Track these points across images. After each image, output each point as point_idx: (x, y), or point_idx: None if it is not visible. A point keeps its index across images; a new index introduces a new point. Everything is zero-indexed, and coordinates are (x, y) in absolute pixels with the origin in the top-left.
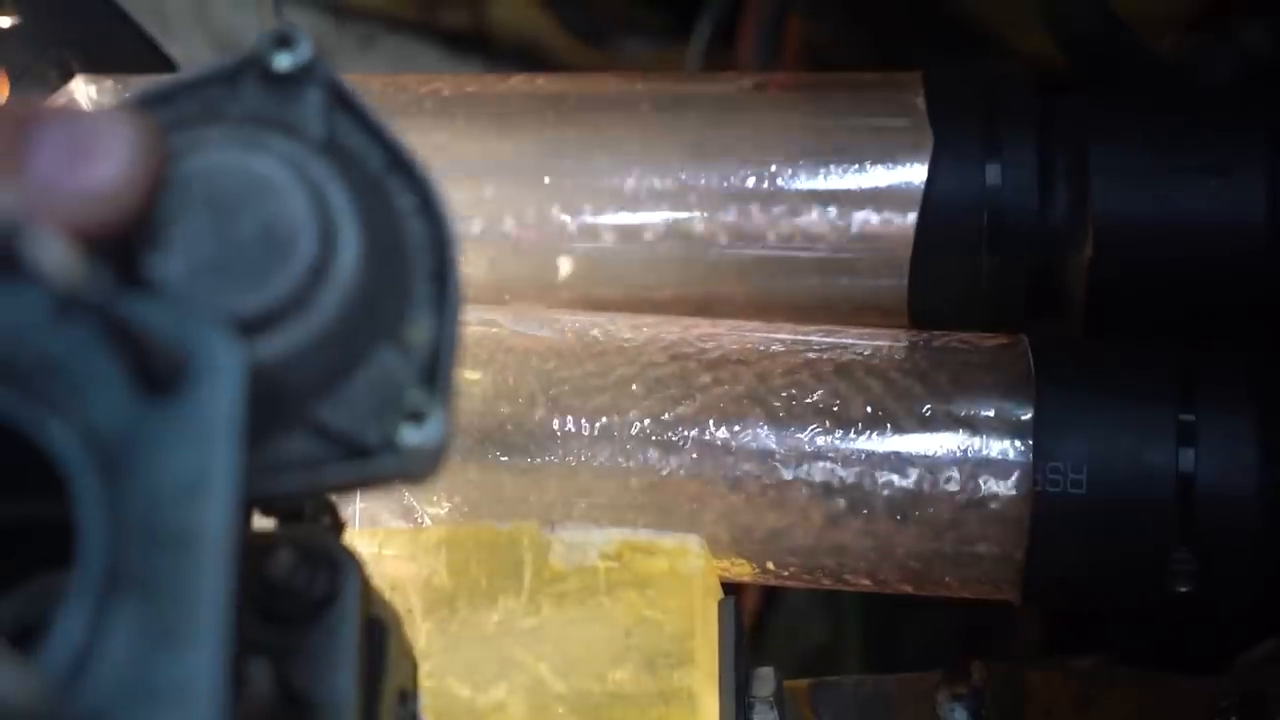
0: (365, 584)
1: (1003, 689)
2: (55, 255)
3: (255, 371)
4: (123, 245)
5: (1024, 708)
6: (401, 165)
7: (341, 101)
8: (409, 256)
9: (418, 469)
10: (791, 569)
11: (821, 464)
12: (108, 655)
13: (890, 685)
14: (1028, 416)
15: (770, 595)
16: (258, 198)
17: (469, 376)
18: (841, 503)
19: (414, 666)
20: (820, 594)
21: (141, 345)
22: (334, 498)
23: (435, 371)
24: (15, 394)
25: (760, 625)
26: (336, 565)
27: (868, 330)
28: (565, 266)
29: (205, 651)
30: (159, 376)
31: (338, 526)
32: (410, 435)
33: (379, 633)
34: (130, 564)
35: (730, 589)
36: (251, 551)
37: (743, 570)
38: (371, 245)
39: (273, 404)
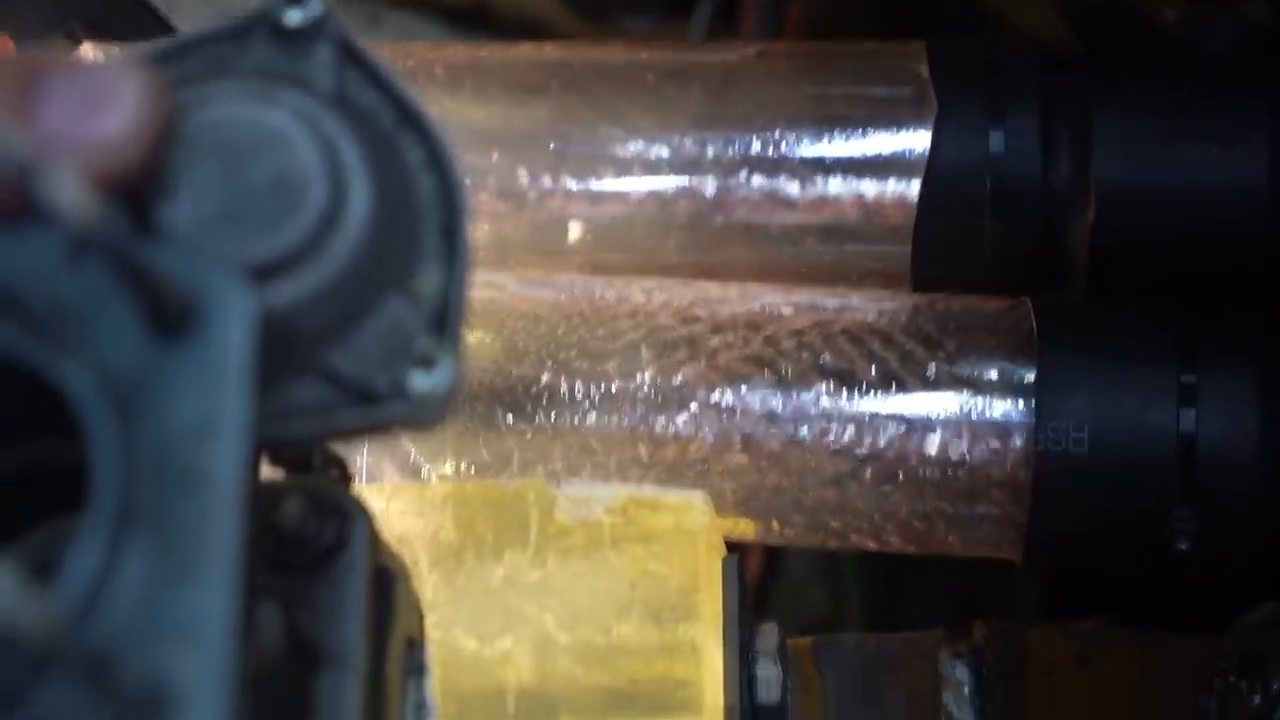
0: (374, 534)
1: (1004, 648)
2: (70, 193)
3: (266, 318)
4: (133, 197)
5: (1025, 666)
6: (412, 121)
7: (352, 58)
8: (419, 210)
9: (426, 415)
10: (796, 528)
11: (826, 425)
12: (120, 590)
13: (892, 644)
14: (1030, 377)
15: (771, 564)
16: (268, 148)
17: (476, 338)
18: (846, 463)
19: (421, 617)
20: (821, 563)
21: (154, 287)
22: (342, 452)
23: (444, 321)
24: (30, 336)
25: (761, 594)
26: (345, 515)
27: (873, 294)
28: (573, 232)
29: (217, 589)
30: (171, 319)
31: (346, 479)
32: (419, 381)
33: (387, 582)
34: (142, 503)
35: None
36: (261, 500)
37: (747, 529)
38: (381, 197)
39: (283, 350)
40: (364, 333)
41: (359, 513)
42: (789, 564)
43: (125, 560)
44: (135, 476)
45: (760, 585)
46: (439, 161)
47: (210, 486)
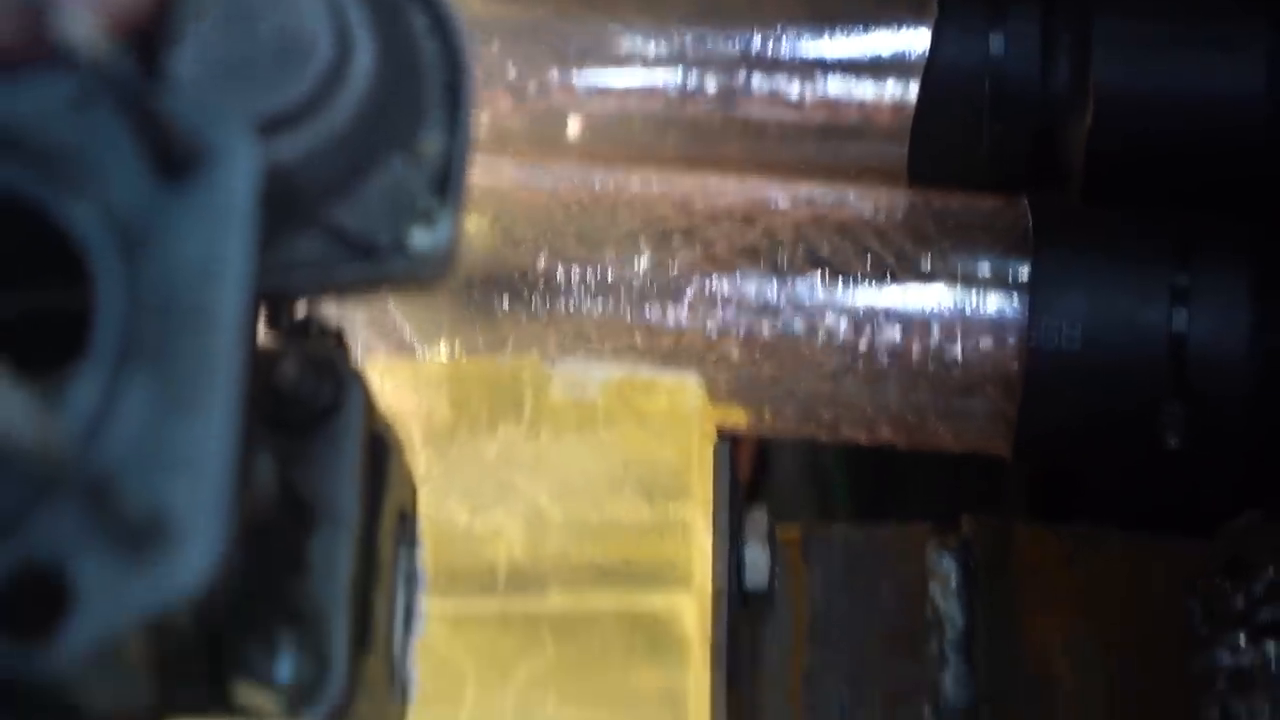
0: (369, 399)
1: (992, 544)
2: (83, 27)
3: (269, 171)
4: (140, 47)
5: (1012, 563)
6: None
7: None
8: (422, 73)
9: (427, 272)
10: (787, 419)
11: (821, 317)
12: (121, 421)
13: (880, 536)
14: (1025, 275)
15: (761, 463)
16: (274, 5)
17: (473, 225)
18: (840, 356)
19: (414, 492)
20: (809, 472)
21: (161, 131)
22: (340, 325)
23: (446, 181)
24: (37, 177)
25: (751, 492)
26: (341, 379)
27: (870, 189)
28: (572, 127)
29: (217, 423)
30: (177, 163)
31: (344, 348)
32: (420, 238)
33: (381, 450)
34: (145, 340)
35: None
36: (259, 360)
37: (739, 418)
38: (386, 56)
39: (286, 205)
40: (367, 190)
41: (355, 377)
42: (777, 465)
43: (127, 393)
44: (138, 314)
45: (750, 483)
46: (443, 26)
47: (212, 324)
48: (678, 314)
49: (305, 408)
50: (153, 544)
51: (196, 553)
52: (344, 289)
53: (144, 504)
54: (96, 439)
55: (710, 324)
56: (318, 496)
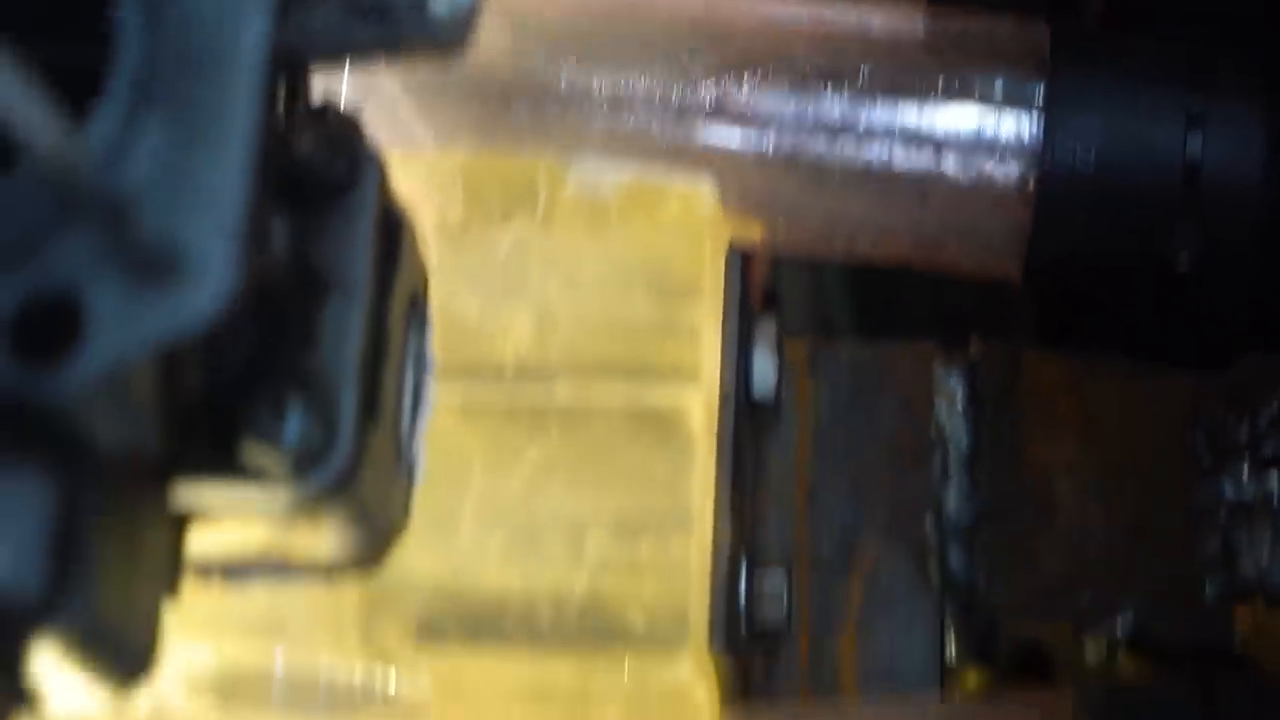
0: (384, 178)
1: (998, 365)
2: None
3: None
4: None
5: (1018, 385)
6: None
7: None
8: None
9: (445, 35)
10: (802, 234)
11: (838, 134)
12: (140, 157)
13: (887, 353)
14: (1040, 96)
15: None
16: None
17: (493, 32)
18: (855, 173)
19: (426, 278)
20: (813, 297)
21: None
22: (357, 115)
23: None
24: None
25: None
26: (357, 156)
27: (890, 9)
28: None
29: (235, 161)
30: None
31: (360, 131)
32: (439, 1)
33: (395, 228)
34: (165, 83)
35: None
36: (276, 135)
37: (754, 231)
38: None
39: None
40: None
41: (371, 155)
42: (781, 288)
43: (146, 131)
44: (159, 58)
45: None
46: None
47: (231, 70)
48: (696, 128)
49: (321, 181)
50: (166, 275)
51: (209, 286)
52: (361, 53)
53: (159, 235)
54: (115, 167)
55: (728, 138)
56: (330, 269)
